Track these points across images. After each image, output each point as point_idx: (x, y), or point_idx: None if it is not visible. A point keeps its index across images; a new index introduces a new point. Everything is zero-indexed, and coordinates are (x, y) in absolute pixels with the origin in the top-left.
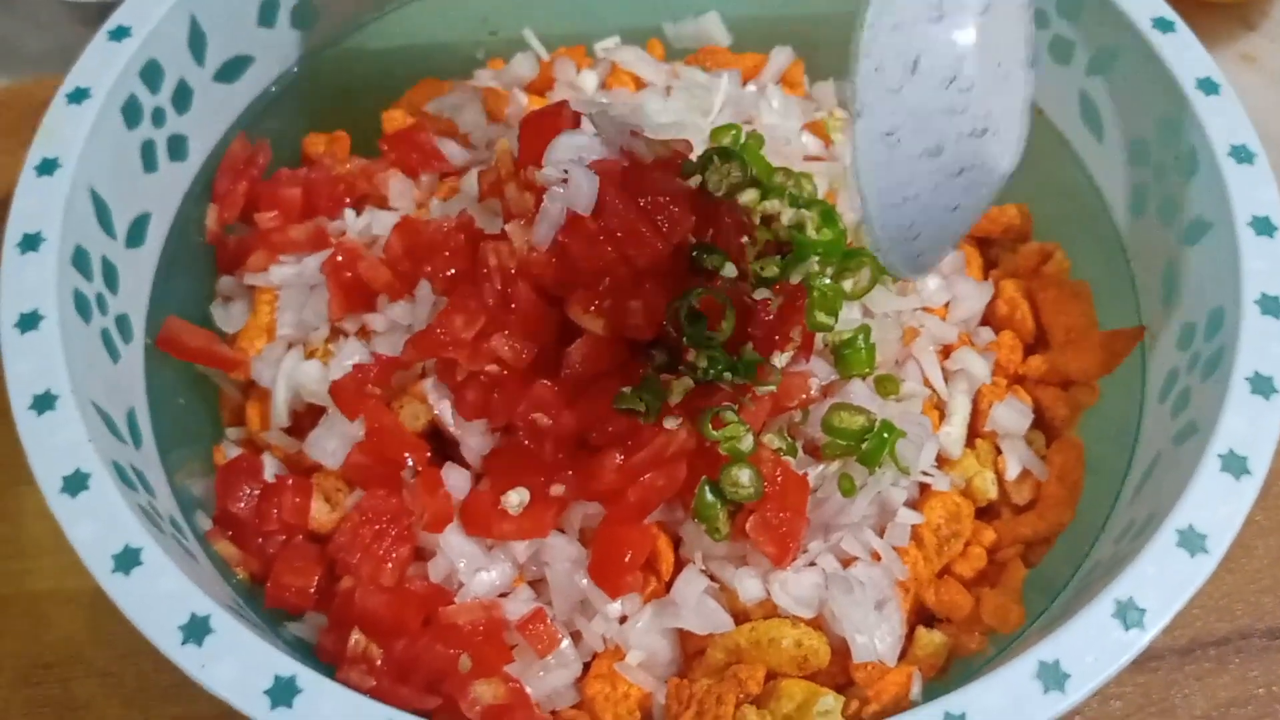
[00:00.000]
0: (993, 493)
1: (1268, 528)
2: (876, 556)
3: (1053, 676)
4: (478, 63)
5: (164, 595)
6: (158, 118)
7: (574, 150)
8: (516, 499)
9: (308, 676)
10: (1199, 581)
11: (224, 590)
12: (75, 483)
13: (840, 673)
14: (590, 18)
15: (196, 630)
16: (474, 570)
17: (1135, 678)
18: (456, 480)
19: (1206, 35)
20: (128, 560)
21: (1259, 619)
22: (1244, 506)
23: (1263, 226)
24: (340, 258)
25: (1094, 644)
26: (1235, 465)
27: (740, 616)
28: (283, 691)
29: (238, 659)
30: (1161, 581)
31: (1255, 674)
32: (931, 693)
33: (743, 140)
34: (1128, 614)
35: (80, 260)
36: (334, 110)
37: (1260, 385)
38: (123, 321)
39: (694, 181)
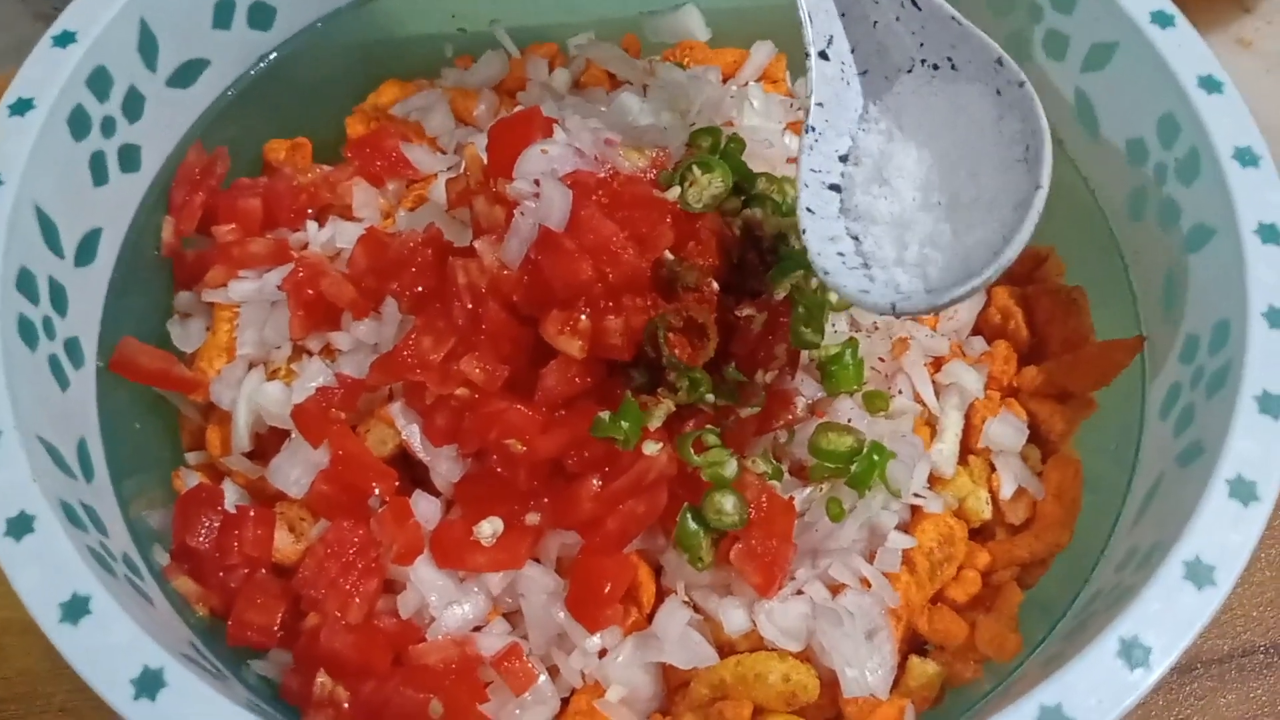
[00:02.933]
0: (987, 513)
1: (1268, 541)
2: (866, 583)
3: None
4: (446, 61)
5: (114, 647)
6: (107, 127)
7: (546, 162)
8: (490, 529)
9: None
10: (1207, 616)
11: (182, 633)
12: (19, 525)
13: (830, 706)
14: (564, 11)
15: (149, 684)
16: (446, 604)
17: None
18: (426, 509)
19: (1202, 19)
20: (76, 609)
21: (1262, 635)
22: (1254, 535)
23: (1269, 234)
24: (302, 273)
25: (1098, 686)
26: (1244, 491)
27: (725, 648)
28: None
29: (193, 715)
30: (1168, 618)
31: (1258, 692)
32: None
33: (723, 145)
34: (1133, 653)
35: (25, 283)
36: (295, 115)
37: (1269, 405)
38: (72, 345)
39: (673, 194)
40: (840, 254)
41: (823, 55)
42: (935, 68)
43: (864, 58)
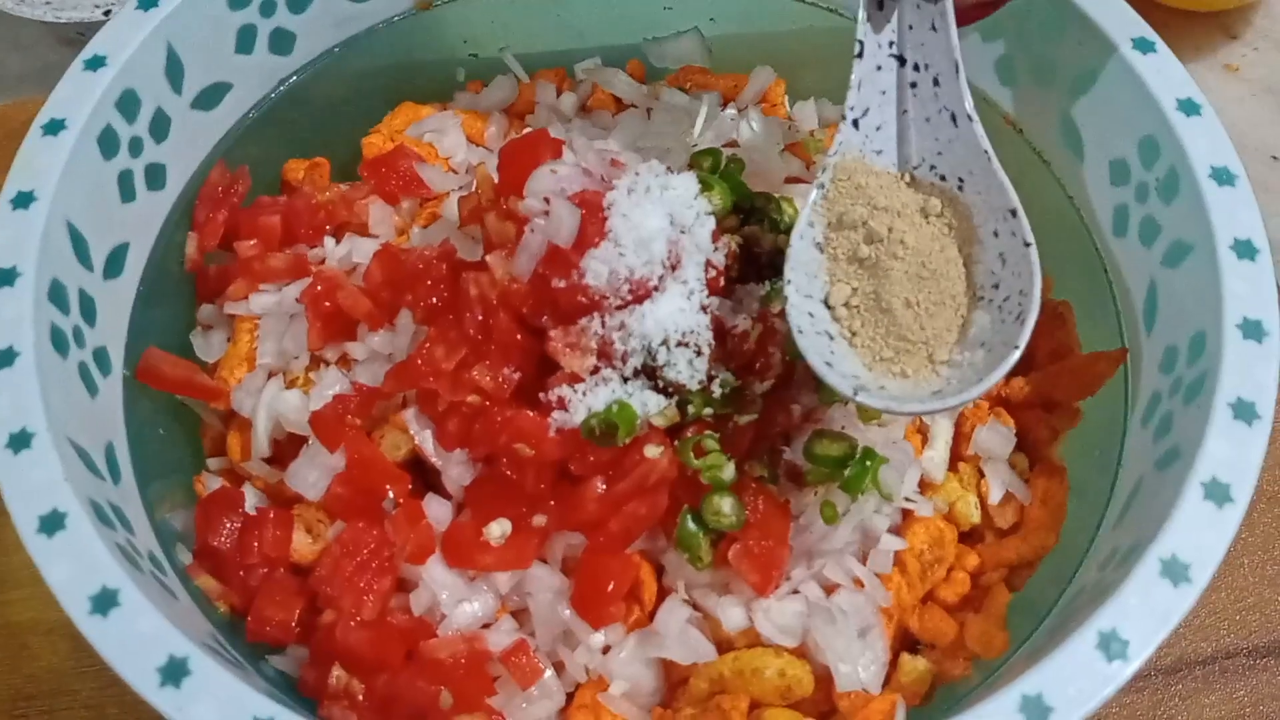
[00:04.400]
0: (976, 517)
1: (1253, 545)
2: (859, 583)
3: (1036, 710)
4: (458, 85)
5: (142, 637)
6: (135, 147)
7: (555, 181)
8: (498, 530)
9: (287, 718)
10: (1182, 612)
11: (204, 626)
12: (51, 522)
13: (824, 701)
14: (570, 38)
15: (174, 672)
16: (456, 602)
17: (1121, 698)
18: (438, 511)
19: (1189, 44)
20: (105, 601)
21: (1244, 638)
22: (1227, 535)
23: (1244, 249)
24: (319, 287)
25: (1077, 676)
26: (1218, 493)
27: (724, 645)
28: None
29: (216, 701)
30: (1145, 612)
31: (1241, 694)
32: None
33: (724, 165)
34: (1111, 645)
35: (57, 294)
36: (313, 136)
37: (1243, 411)
38: (100, 354)
39: None
40: (810, 314)
41: (855, 124)
42: (942, 178)
43: (884, 139)
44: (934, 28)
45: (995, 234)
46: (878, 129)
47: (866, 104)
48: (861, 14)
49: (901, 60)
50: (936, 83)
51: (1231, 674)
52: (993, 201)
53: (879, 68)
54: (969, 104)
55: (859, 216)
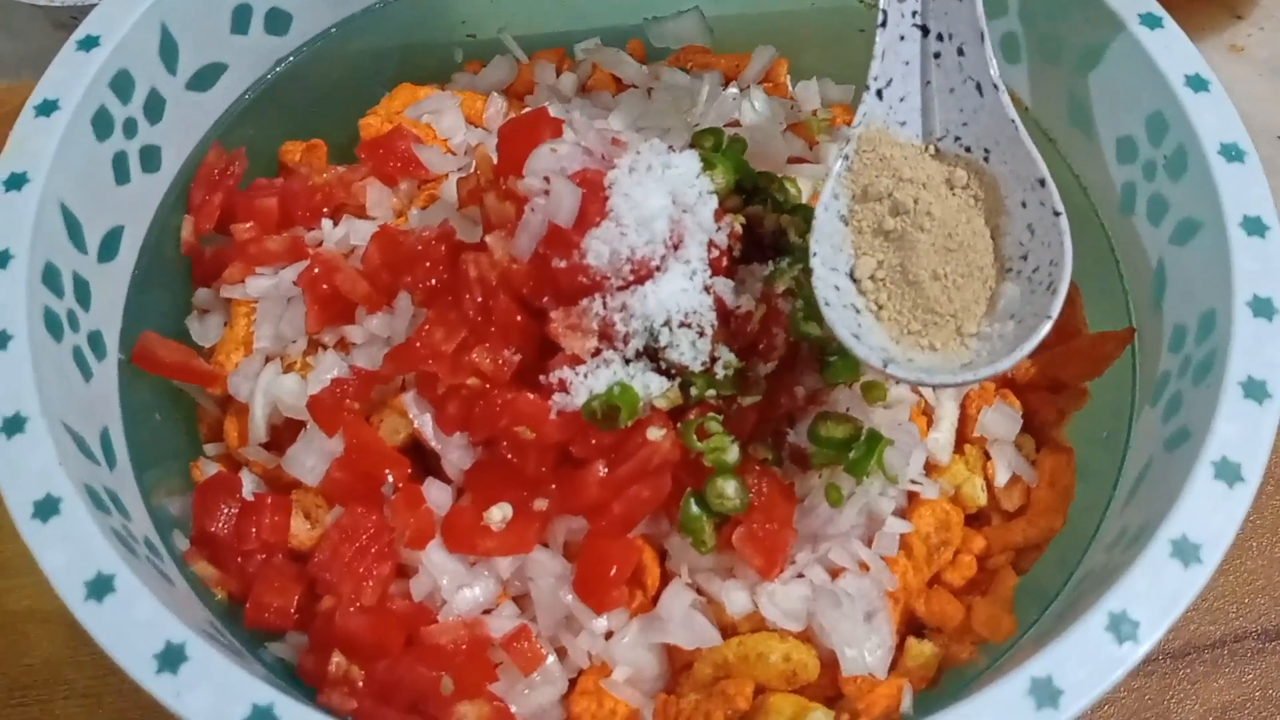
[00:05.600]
0: (982, 499)
1: (1261, 527)
2: (865, 567)
3: (1046, 693)
4: (456, 66)
5: (138, 622)
6: (129, 129)
7: (555, 160)
8: (499, 514)
9: (285, 704)
10: (1193, 593)
11: (201, 613)
12: (46, 508)
13: (830, 685)
14: (570, 18)
15: (171, 658)
16: (457, 587)
17: (1129, 682)
18: (438, 496)
19: (1195, 25)
20: (101, 587)
21: (1253, 621)
22: (1238, 515)
23: (1254, 226)
24: (317, 270)
25: (1087, 659)
26: (1228, 473)
27: (728, 630)
28: None
29: (214, 687)
30: (1155, 594)
31: (1250, 677)
32: (923, 704)
33: (725, 144)
34: (1121, 627)
35: (50, 277)
36: (310, 117)
37: (1253, 390)
38: (95, 338)
39: None
40: (836, 287)
41: (878, 94)
42: (968, 149)
43: (908, 110)
44: None
45: (1023, 204)
46: (901, 100)
47: (890, 74)
48: None
49: (925, 30)
50: (961, 52)
51: (1240, 657)
52: (1020, 171)
53: (902, 38)
54: (995, 72)
55: (884, 188)
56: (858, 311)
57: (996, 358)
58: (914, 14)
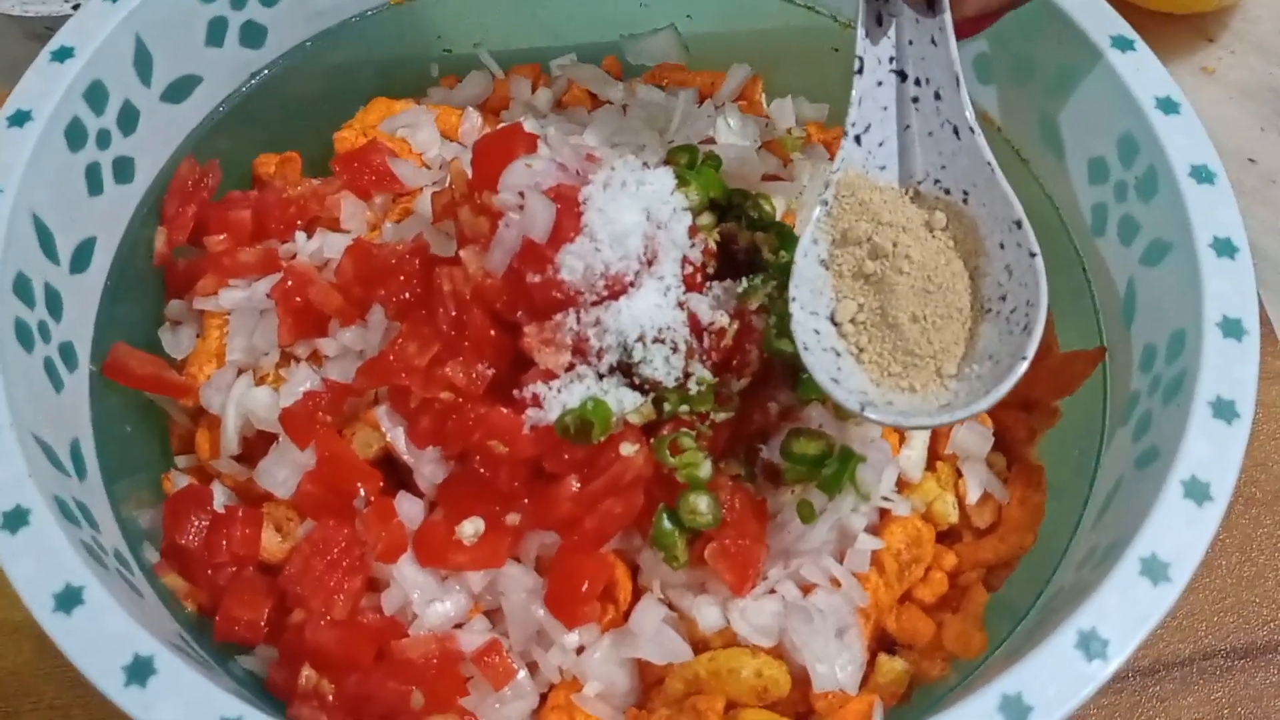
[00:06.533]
0: (954, 516)
1: (1230, 546)
2: (836, 583)
3: (1015, 710)
4: (431, 81)
5: (107, 634)
6: (103, 140)
7: (530, 175)
8: (471, 529)
9: (255, 717)
10: (1162, 611)
11: (171, 626)
12: (15, 519)
13: (801, 701)
14: (546, 35)
15: (140, 671)
16: (428, 601)
17: (1099, 700)
18: (410, 510)
19: (1166, 48)
20: (69, 599)
21: (1222, 639)
22: (1207, 534)
23: (1224, 248)
24: (290, 282)
25: (1056, 676)
26: (1198, 492)
27: (699, 645)
28: None
29: (182, 701)
30: (1124, 611)
31: (1219, 695)
32: None
33: (700, 161)
34: (1090, 645)
35: (21, 287)
36: (285, 130)
37: (1222, 410)
38: (66, 349)
39: None
40: (816, 331)
41: (857, 140)
42: (947, 192)
43: (886, 154)
44: (933, 42)
45: (1001, 245)
46: (880, 145)
47: (868, 120)
48: (860, 30)
49: (902, 75)
50: (938, 96)
51: (1209, 675)
52: (998, 213)
53: (879, 83)
54: (971, 116)
55: (863, 232)
56: (838, 355)
57: (974, 398)
58: (890, 59)
